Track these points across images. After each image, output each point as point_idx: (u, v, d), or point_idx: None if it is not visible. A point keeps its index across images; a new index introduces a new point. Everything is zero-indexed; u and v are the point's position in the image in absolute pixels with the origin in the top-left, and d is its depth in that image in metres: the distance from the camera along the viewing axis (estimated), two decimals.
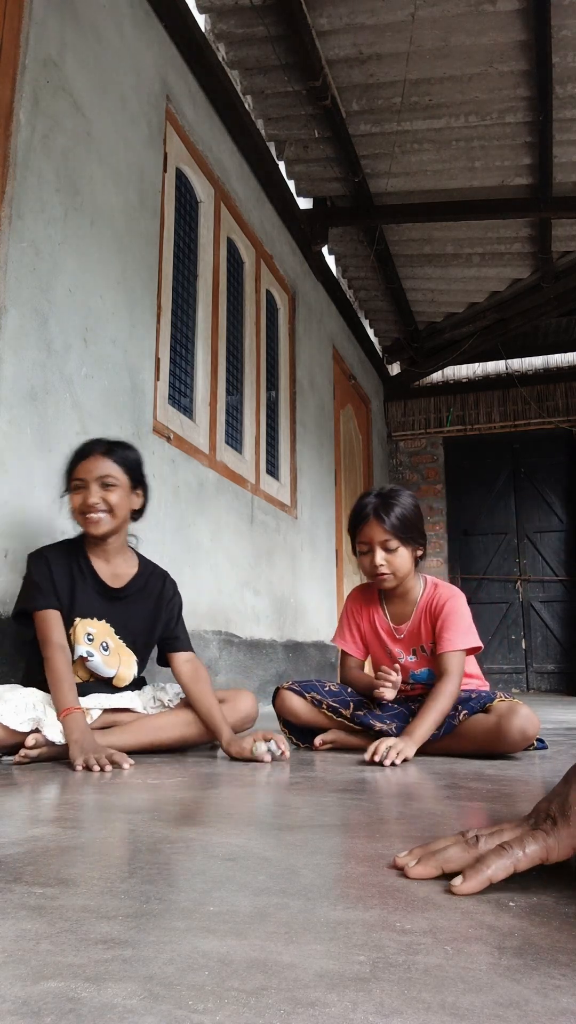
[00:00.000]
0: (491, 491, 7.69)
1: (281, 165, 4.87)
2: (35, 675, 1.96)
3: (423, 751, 1.96)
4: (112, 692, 2.05)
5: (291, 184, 5.08)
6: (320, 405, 5.65)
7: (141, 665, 2.12)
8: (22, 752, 1.72)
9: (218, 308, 3.96)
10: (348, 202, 5.29)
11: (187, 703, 2.05)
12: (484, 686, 2.26)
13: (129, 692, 2.08)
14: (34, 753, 1.73)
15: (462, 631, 2.10)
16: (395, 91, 4.24)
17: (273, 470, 4.72)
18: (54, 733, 1.76)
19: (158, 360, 3.21)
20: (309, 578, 5.11)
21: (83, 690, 1.96)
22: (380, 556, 2.11)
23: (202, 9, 3.79)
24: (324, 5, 3.74)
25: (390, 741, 1.83)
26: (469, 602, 2.25)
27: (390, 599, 2.26)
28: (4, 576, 2.21)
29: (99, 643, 2.02)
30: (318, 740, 2.16)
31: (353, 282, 6.53)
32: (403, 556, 2.13)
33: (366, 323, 7.08)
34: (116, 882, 0.81)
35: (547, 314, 6.68)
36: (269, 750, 1.84)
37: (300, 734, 2.25)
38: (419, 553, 2.18)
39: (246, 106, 4.30)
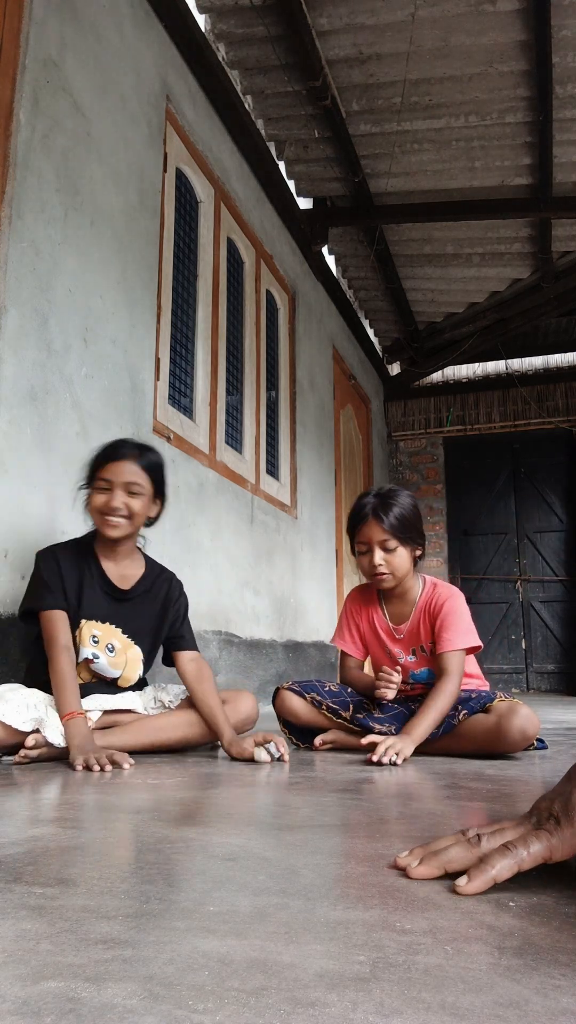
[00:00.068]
0: (491, 491, 7.69)
1: (281, 165, 4.87)
2: (39, 675, 1.95)
3: (423, 751, 1.96)
4: (114, 692, 2.04)
5: (291, 184, 5.08)
6: (320, 405, 5.65)
7: (146, 665, 2.12)
8: (22, 752, 1.71)
9: (218, 308, 3.96)
10: (348, 202, 5.29)
11: (189, 703, 2.05)
12: (484, 686, 2.26)
13: (130, 692, 2.08)
14: (34, 754, 1.73)
15: (461, 630, 2.10)
16: (395, 91, 4.24)
17: (273, 470, 4.72)
18: (54, 735, 1.76)
19: (158, 360, 3.21)
20: (309, 578, 5.12)
21: (85, 690, 1.96)
22: (379, 556, 2.11)
23: (202, 9, 3.79)
24: (324, 5, 3.74)
25: (389, 740, 1.83)
26: (469, 602, 2.25)
27: (389, 599, 2.26)
28: (4, 576, 2.21)
29: (104, 644, 2.01)
30: (318, 740, 2.16)
31: (353, 282, 6.53)
32: (402, 556, 2.13)
33: (366, 323, 7.08)
34: (116, 882, 0.81)
35: (547, 314, 6.68)
36: (268, 752, 1.84)
37: (300, 734, 2.25)
38: (418, 553, 2.18)
39: (246, 106, 4.30)
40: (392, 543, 2.10)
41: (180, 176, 3.65)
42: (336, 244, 5.89)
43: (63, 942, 0.63)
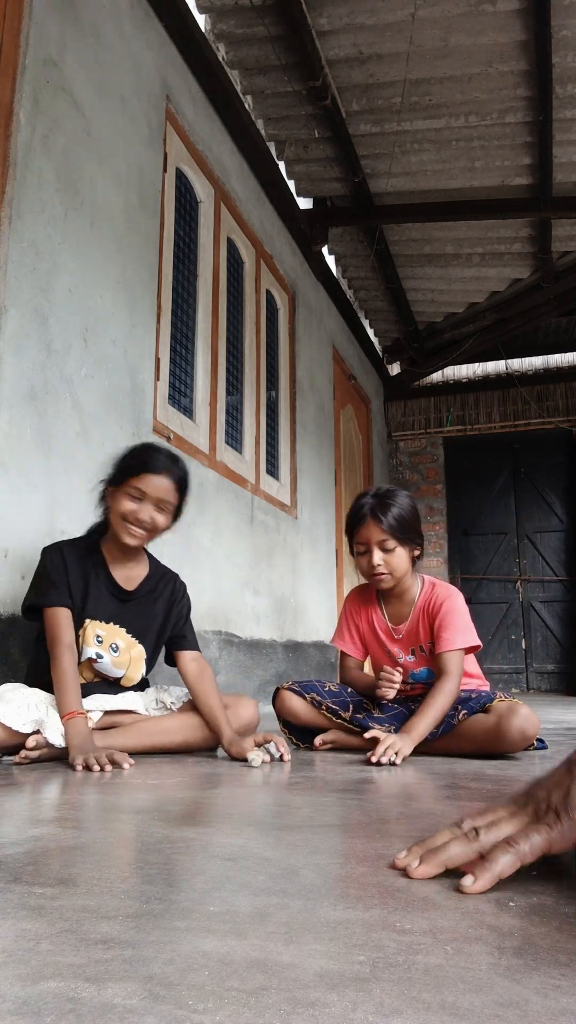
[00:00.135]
0: (491, 491, 7.69)
1: (281, 165, 4.87)
2: (41, 674, 1.95)
3: (423, 751, 1.96)
4: (116, 692, 2.04)
5: (291, 184, 5.08)
6: (320, 405, 5.65)
7: (149, 665, 2.12)
8: (22, 753, 1.71)
9: (218, 308, 3.96)
10: (348, 202, 5.29)
11: (191, 706, 2.05)
12: (484, 686, 2.26)
13: (131, 693, 2.08)
14: (34, 755, 1.73)
15: (460, 630, 2.10)
16: (395, 91, 4.24)
17: (273, 470, 4.72)
18: (55, 736, 1.75)
19: (158, 360, 3.21)
20: (309, 578, 5.12)
21: (87, 690, 1.96)
22: (377, 556, 2.11)
23: (202, 9, 3.79)
24: (324, 5, 3.74)
25: (389, 740, 1.83)
26: (469, 602, 2.25)
27: (388, 599, 2.26)
28: (4, 576, 2.21)
29: (109, 644, 2.01)
30: (318, 740, 2.16)
31: (353, 282, 6.53)
32: (400, 556, 2.13)
33: (366, 323, 7.08)
34: (116, 882, 0.81)
35: (547, 314, 6.68)
36: (269, 751, 1.84)
37: (300, 734, 2.26)
38: (416, 553, 2.18)
39: (246, 106, 4.30)
40: (390, 543, 2.10)
41: (180, 176, 3.65)
42: (336, 244, 5.89)
43: (63, 942, 0.63)
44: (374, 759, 1.78)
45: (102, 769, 1.63)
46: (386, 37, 3.89)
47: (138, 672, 2.08)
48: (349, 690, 2.25)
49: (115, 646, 2.02)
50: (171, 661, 2.16)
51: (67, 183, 2.61)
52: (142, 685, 2.16)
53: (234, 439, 4.12)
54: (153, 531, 2.00)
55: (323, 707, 2.19)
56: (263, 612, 4.24)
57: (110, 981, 0.56)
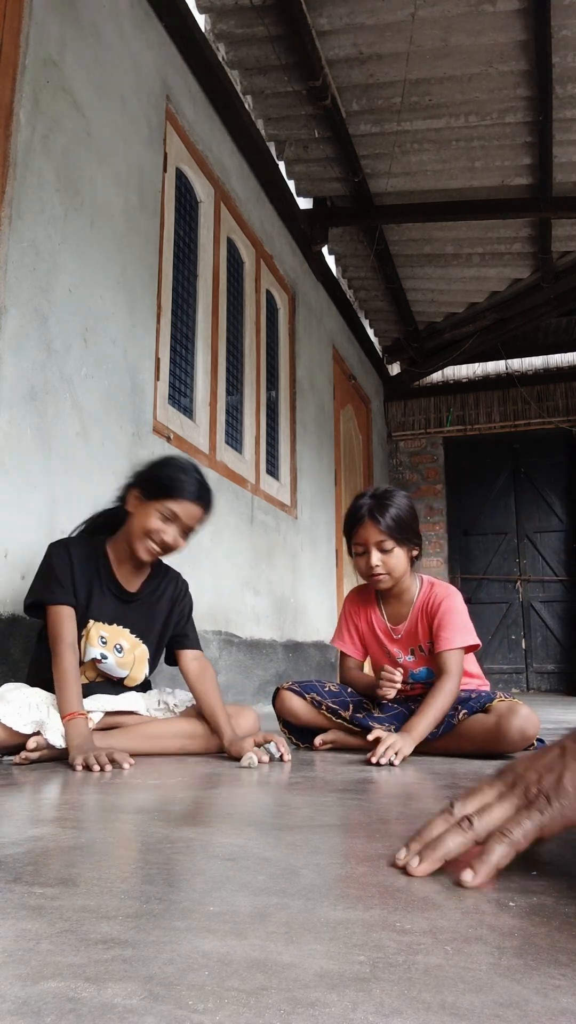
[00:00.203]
0: (491, 491, 7.69)
1: (281, 165, 4.87)
2: (43, 672, 1.94)
3: (423, 751, 1.96)
4: (118, 692, 2.04)
5: (291, 184, 5.08)
6: (320, 405, 5.65)
7: (152, 665, 2.12)
8: (23, 754, 1.71)
9: (218, 308, 3.96)
10: (348, 202, 5.29)
11: (195, 712, 2.05)
12: (484, 686, 2.26)
13: (133, 693, 2.07)
14: (35, 755, 1.73)
15: (459, 629, 2.10)
16: (395, 91, 4.24)
17: (273, 470, 4.72)
18: (56, 737, 1.75)
19: (158, 360, 3.21)
20: (309, 578, 5.12)
21: (89, 690, 1.96)
22: (376, 557, 2.11)
23: (202, 9, 3.79)
24: (324, 5, 3.74)
25: (389, 739, 1.83)
26: (469, 602, 2.25)
27: (387, 599, 2.26)
28: (4, 576, 2.21)
29: (113, 645, 2.01)
30: (318, 740, 2.16)
31: (353, 282, 6.53)
32: (399, 556, 2.13)
33: (366, 323, 7.08)
34: (116, 882, 0.81)
35: (547, 314, 6.68)
36: (268, 752, 1.84)
37: (300, 734, 2.26)
38: (415, 553, 2.18)
39: (246, 106, 4.30)
40: (389, 544, 2.10)
41: (180, 176, 3.65)
42: (336, 244, 5.89)
43: (63, 942, 0.63)
44: (374, 759, 1.78)
45: (102, 769, 1.63)
46: (386, 37, 3.89)
47: (141, 672, 2.08)
48: (349, 690, 2.26)
49: (119, 647, 2.02)
50: (172, 660, 2.16)
51: (67, 183, 2.61)
52: (145, 686, 2.16)
53: (234, 439, 4.12)
54: (169, 551, 2.00)
55: (323, 707, 2.19)
56: (263, 612, 4.24)
57: (110, 981, 0.56)
